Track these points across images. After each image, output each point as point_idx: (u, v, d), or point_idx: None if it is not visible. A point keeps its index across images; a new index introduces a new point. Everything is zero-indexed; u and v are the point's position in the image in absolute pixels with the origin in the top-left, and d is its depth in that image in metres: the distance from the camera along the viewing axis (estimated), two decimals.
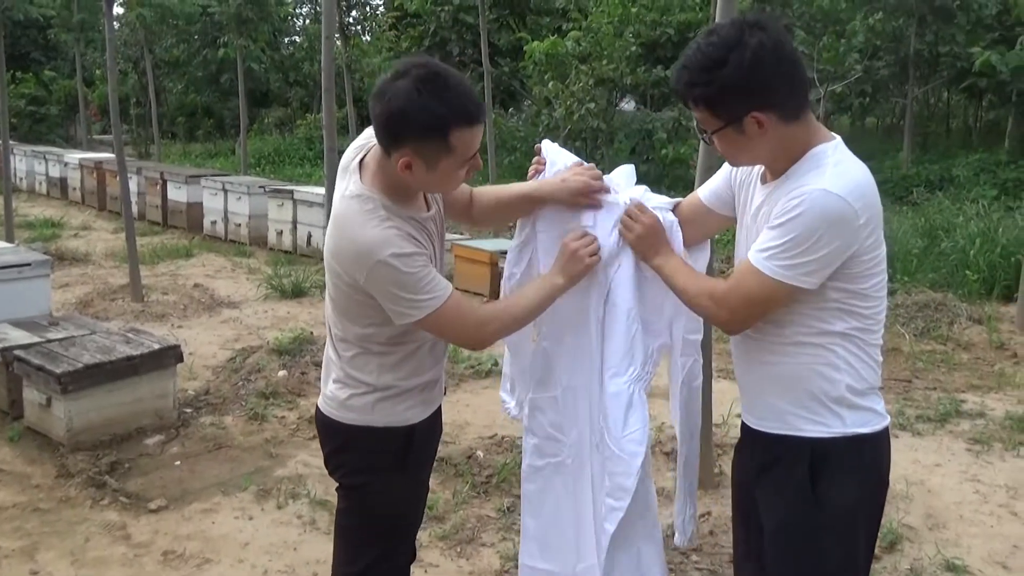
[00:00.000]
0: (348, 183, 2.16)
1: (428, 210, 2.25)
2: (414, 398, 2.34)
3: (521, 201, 2.42)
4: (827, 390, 1.99)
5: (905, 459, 4.58)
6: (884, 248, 1.99)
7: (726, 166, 2.25)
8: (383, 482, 2.35)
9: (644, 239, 2.23)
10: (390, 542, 2.43)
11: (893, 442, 4.97)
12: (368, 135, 2.23)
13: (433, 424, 2.47)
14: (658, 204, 2.33)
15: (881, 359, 2.06)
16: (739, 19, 1.94)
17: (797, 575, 2.08)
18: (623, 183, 2.39)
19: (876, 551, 3.66)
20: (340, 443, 2.39)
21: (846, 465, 2.01)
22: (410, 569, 2.56)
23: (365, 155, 2.20)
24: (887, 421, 2.08)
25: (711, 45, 1.90)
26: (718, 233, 2.62)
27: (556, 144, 2.46)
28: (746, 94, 1.89)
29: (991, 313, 7.29)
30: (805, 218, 1.86)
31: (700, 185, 2.42)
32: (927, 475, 4.42)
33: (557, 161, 2.39)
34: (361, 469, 2.37)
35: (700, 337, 2.40)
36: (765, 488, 2.13)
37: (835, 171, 1.89)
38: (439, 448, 4.57)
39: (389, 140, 2.05)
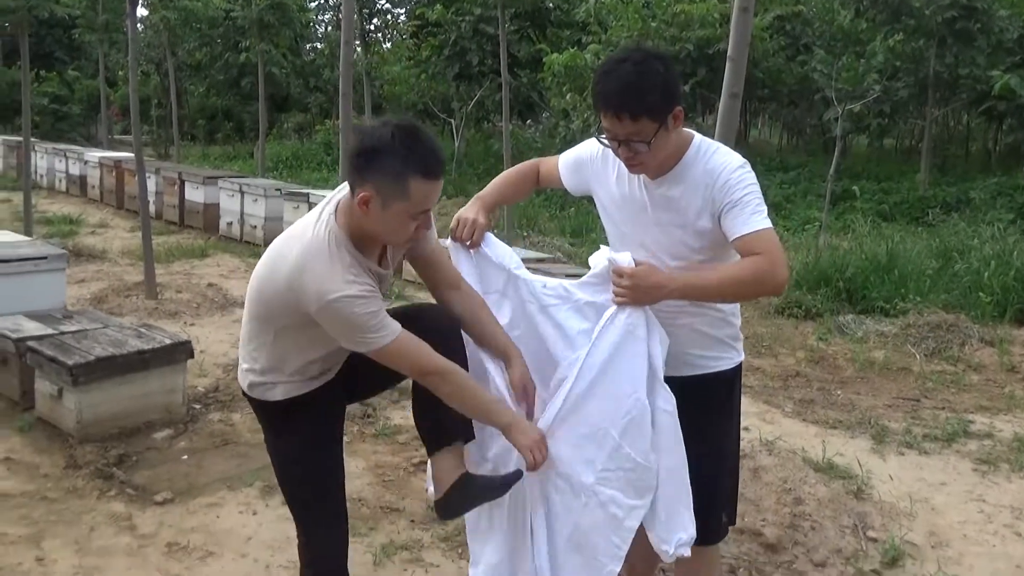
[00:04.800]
0: (325, 214, 2.34)
1: (384, 269, 2.45)
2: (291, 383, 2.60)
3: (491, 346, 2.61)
4: (729, 332, 2.67)
5: (910, 476, 4.57)
6: None
7: (571, 162, 2.76)
8: (271, 445, 2.71)
9: (639, 291, 2.44)
10: (311, 508, 2.65)
11: (899, 459, 4.94)
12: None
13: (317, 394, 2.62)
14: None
15: None
16: (627, 49, 2.41)
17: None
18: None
19: (877, 566, 3.68)
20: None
21: (739, 384, 2.77)
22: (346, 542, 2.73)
23: (342, 198, 2.38)
24: None
25: (635, 69, 2.31)
26: None
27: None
28: (674, 94, 2.37)
29: (1003, 336, 7.26)
30: (749, 181, 2.40)
31: None
32: (932, 493, 4.41)
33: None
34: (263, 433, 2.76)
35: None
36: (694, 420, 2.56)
37: (725, 150, 2.47)
38: None
39: (355, 175, 2.24)
